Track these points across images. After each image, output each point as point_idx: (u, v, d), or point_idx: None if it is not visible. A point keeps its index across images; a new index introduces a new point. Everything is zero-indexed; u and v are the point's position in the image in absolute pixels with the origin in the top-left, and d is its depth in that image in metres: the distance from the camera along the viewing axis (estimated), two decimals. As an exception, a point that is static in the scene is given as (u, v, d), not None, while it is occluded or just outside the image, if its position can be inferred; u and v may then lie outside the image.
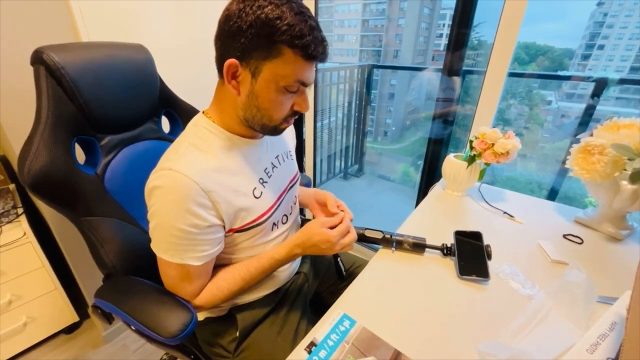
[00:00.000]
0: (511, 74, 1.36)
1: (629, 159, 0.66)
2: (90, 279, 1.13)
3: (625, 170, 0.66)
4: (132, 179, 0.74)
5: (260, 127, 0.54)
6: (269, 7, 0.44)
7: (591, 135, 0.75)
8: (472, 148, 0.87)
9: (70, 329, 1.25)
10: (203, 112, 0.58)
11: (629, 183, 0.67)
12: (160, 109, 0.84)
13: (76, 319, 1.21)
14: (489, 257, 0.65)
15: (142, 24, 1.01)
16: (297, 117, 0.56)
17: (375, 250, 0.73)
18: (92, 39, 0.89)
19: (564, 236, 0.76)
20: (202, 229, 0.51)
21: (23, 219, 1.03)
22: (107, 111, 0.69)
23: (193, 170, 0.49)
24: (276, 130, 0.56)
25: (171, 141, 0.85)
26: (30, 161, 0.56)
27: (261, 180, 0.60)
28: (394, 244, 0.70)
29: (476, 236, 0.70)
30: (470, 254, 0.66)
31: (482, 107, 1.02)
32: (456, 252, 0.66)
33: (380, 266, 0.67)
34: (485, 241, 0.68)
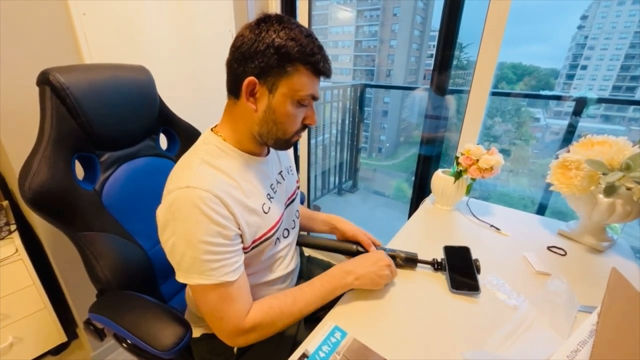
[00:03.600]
0: (497, 93, 1.43)
1: (602, 174, 0.70)
2: (81, 298, 1.12)
3: (600, 184, 0.69)
4: (129, 194, 0.76)
5: (273, 141, 0.57)
6: (283, 31, 0.50)
7: (568, 151, 0.80)
8: (458, 164, 0.91)
9: (57, 350, 1.21)
10: (212, 130, 0.60)
11: (604, 196, 0.71)
12: (158, 126, 0.87)
13: (64, 339, 1.18)
14: (478, 271, 0.67)
15: (143, 46, 1.05)
16: (305, 131, 0.61)
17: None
18: (95, 61, 0.93)
19: (548, 248, 0.79)
20: (230, 240, 0.52)
21: (15, 236, 1.02)
22: (108, 129, 0.71)
23: (211, 185, 0.50)
24: (287, 144, 0.60)
25: (168, 158, 0.88)
26: (31, 177, 0.58)
27: (269, 196, 0.61)
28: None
29: (465, 251, 0.72)
30: (461, 269, 0.68)
31: (467, 124, 1.07)
32: (447, 267, 0.68)
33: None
34: (473, 254, 0.70)
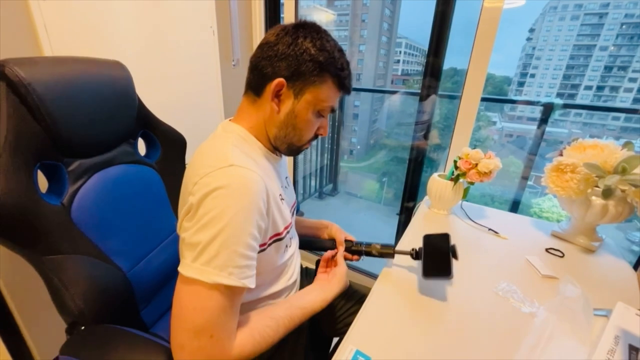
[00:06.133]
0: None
1: (597, 176, 0.72)
2: (41, 330, 0.96)
3: (596, 187, 0.72)
4: (104, 207, 0.66)
5: (286, 146, 0.57)
6: (320, 42, 0.51)
7: (561, 154, 0.82)
8: (456, 168, 0.91)
9: (8, 391, 1.03)
10: (232, 121, 0.58)
11: (601, 198, 0.73)
12: (137, 130, 0.77)
13: (17, 377, 1.01)
14: (455, 256, 0.63)
15: (114, 40, 0.93)
16: (315, 140, 0.62)
17: (371, 276, 0.71)
18: (57, 54, 0.80)
19: (547, 250, 0.80)
20: (260, 236, 0.47)
21: (-47, 260, 0.85)
22: (79, 132, 0.61)
23: (253, 167, 0.47)
24: (298, 151, 0.60)
25: (148, 165, 0.78)
26: (-19, 192, 0.47)
27: (281, 196, 0.59)
28: (364, 253, 0.73)
29: (444, 237, 0.67)
30: (437, 255, 0.64)
31: (459, 129, 1.08)
32: (422, 255, 0.66)
33: (382, 293, 0.65)
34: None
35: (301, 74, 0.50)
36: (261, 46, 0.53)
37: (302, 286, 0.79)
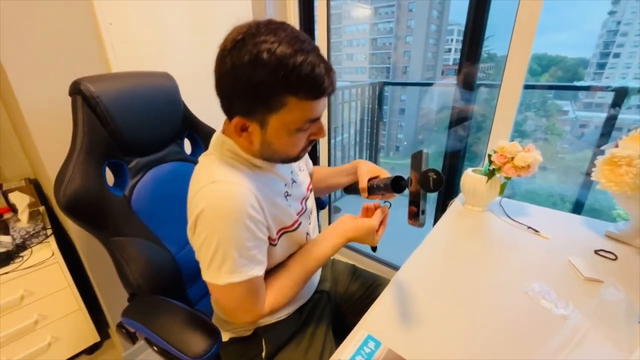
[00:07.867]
0: (527, 86, 1.36)
1: (660, 170, 0.63)
2: (112, 299, 1.15)
3: (657, 181, 0.63)
4: (157, 199, 0.77)
5: (280, 160, 0.57)
6: (261, 56, 0.41)
7: (616, 146, 0.73)
8: (491, 162, 0.86)
9: (91, 350, 1.26)
10: (223, 133, 0.57)
11: (662, 195, 0.64)
12: (183, 132, 0.88)
13: (97, 339, 1.23)
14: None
15: (167, 53, 1.07)
16: (313, 143, 0.57)
17: (396, 268, 0.72)
18: (122, 69, 0.95)
19: (596, 252, 0.73)
20: (263, 232, 0.52)
21: (52, 240, 1.07)
22: (136, 135, 0.72)
23: (236, 178, 0.50)
24: (296, 159, 0.57)
25: (193, 162, 0.89)
26: (65, 185, 0.59)
27: (286, 193, 0.61)
28: (375, 188, 0.67)
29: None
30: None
31: (498, 120, 1.02)
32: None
33: (403, 284, 0.66)
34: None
35: (254, 106, 0.45)
36: (215, 77, 0.48)
37: (323, 271, 0.82)
